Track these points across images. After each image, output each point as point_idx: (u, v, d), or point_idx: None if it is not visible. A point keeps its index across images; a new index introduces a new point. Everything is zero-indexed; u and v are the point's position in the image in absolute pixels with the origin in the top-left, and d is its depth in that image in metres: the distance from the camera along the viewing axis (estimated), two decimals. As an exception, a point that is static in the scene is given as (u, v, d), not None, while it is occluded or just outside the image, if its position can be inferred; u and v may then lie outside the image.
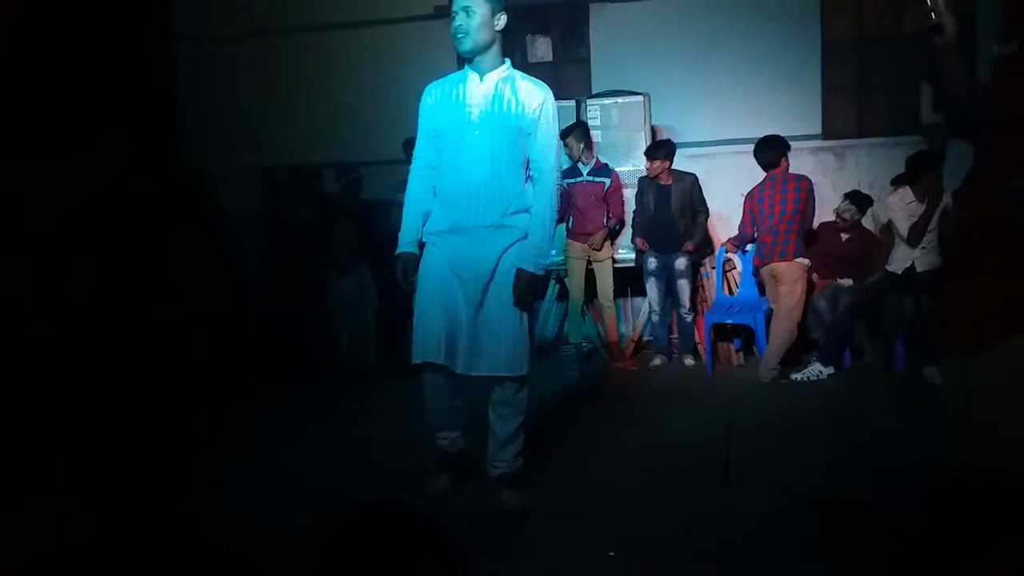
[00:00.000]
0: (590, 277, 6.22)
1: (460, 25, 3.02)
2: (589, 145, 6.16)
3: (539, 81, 3.16)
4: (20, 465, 3.54)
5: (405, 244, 3.24)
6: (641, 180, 6.10)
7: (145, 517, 1.48)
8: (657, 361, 6.07)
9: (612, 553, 2.85)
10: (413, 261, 3.21)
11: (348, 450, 4.07)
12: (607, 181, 6.11)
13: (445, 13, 7.57)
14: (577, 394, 5.40)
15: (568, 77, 7.40)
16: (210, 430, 3.65)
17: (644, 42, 6.98)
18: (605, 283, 6.16)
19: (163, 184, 5.66)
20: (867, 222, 6.12)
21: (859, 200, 5.88)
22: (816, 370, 5.47)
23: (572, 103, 6.54)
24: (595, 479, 3.63)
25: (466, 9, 2.99)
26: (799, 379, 5.45)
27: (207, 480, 3.27)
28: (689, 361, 6.04)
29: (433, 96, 3.19)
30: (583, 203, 6.09)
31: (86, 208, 4.80)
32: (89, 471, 1.50)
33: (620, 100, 6.48)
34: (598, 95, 6.71)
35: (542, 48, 7.60)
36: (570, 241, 6.19)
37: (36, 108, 4.85)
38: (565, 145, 6.08)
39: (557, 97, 6.58)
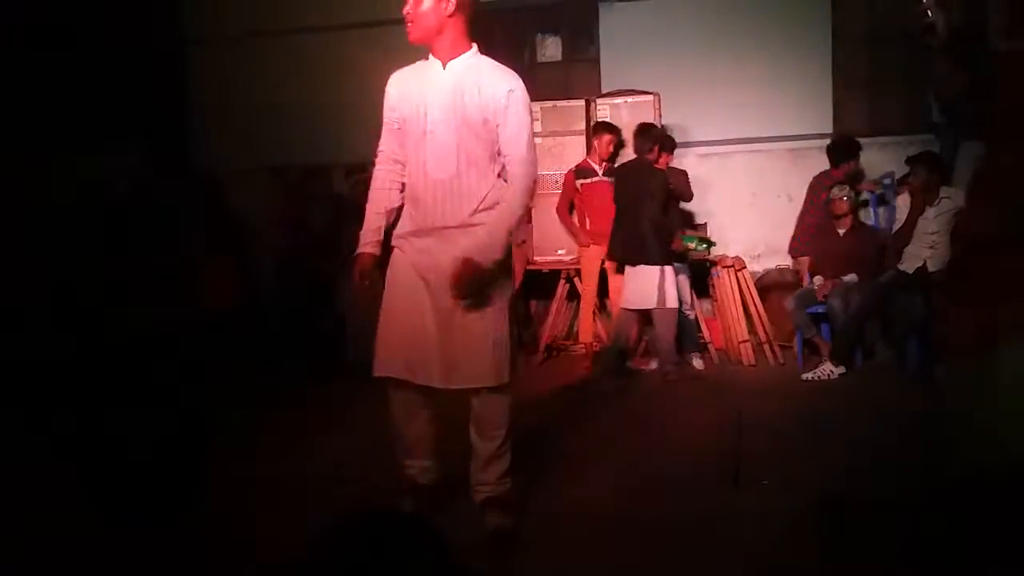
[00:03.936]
0: (602, 276, 6.21)
1: (408, 12, 2.82)
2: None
3: (507, 68, 2.89)
4: (28, 466, 3.56)
5: (364, 244, 3.00)
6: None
7: (152, 516, 1.49)
8: (654, 364, 6.04)
9: (618, 554, 2.84)
10: (371, 261, 2.98)
11: (356, 452, 4.07)
12: None
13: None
14: (587, 394, 5.40)
15: (578, 76, 7.41)
16: (218, 431, 3.66)
17: (654, 41, 6.98)
18: (618, 284, 6.13)
19: (174, 184, 5.68)
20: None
21: (849, 183, 5.98)
22: (827, 369, 5.46)
23: (582, 103, 6.54)
24: (603, 478, 3.62)
25: None
26: (810, 378, 5.44)
27: (214, 480, 3.28)
28: (697, 363, 6.02)
29: (396, 86, 2.96)
30: (599, 203, 6.08)
31: (101, 206, 4.83)
32: (100, 471, 1.52)
33: (630, 99, 6.47)
34: (608, 94, 6.71)
35: (552, 47, 7.61)
36: (585, 243, 6.17)
37: (50, 108, 4.87)
38: (597, 142, 6.09)
39: (567, 97, 6.72)
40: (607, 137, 6.04)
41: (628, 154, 6.25)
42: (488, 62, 2.89)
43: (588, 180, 6.13)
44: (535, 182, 2.90)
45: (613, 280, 6.11)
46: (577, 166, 6.22)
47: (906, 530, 2.58)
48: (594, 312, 6.33)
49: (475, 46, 2.89)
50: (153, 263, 4.90)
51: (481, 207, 2.84)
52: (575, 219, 6.33)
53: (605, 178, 6.09)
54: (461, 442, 3.03)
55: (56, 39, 5.13)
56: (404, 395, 2.96)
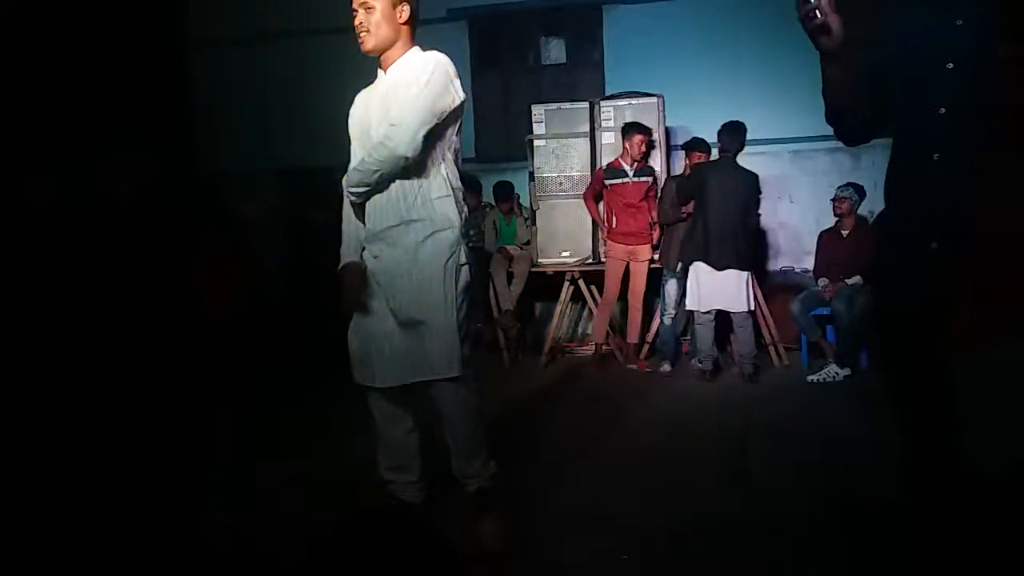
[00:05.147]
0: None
1: (361, 23, 2.83)
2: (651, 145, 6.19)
3: (433, 53, 2.83)
4: (30, 467, 3.57)
5: (344, 257, 2.99)
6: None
7: (157, 518, 1.50)
8: (665, 367, 6.05)
9: (625, 556, 2.84)
10: (357, 271, 2.94)
11: (361, 452, 4.08)
12: (650, 180, 6.13)
13: (458, 16, 7.66)
14: (590, 395, 5.40)
15: (582, 79, 7.42)
16: (220, 432, 3.65)
17: (658, 44, 6.99)
18: (639, 284, 6.15)
19: (179, 185, 5.68)
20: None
21: (857, 188, 5.92)
22: (832, 371, 5.46)
23: (586, 105, 6.54)
24: (606, 479, 3.63)
25: (364, 5, 2.81)
26: (815, 380, 5.44)
27: (221, 482, 3.27)
28: (706, 366, 6.02)
29: (354, 104, 3.02)
30: (628, 204, 6.08)
31: (108, 210, 4.83)
32: (103, 472, 1.52)
33: (634, 102, 6.46)
34: (611, 97, 6.70)
35: (556, 50, 7.62)
36: (612, 243, 6.17)
37: (54, 108, 4.87)
38: (628, 143, 6.04)
39: (571, 99, 6.72)
40: (638, 137, 6.01)
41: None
42: (419, 56, 2.85)
43: (618, 181, 6.09)
44: (397, 158, 2.72)
45: (635, 282, 6.10)
46: (608, 165, 6.19)
47: (911, 531, 2.58)
48: (611, 314, 6.31)
49: (416, 47, 2.88)
50: (156, 264, 4.91)
51: (420, 200, 2.81)
52: (601, 214, 6.32)
53: (636, 179, 6.08)
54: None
55: (61, 39, 5.13)
56: (381, 402, 2.97)
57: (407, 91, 2.73)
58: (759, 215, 5.71)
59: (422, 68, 2.76)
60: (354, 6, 2.85)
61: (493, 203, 6.88)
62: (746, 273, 5.57)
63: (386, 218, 2.84)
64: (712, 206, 5.52)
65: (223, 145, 7.35)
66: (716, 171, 5.63)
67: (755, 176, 5.63)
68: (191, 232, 5.43)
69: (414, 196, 2.81)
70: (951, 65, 1.94)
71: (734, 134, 5.59)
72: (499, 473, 2.97)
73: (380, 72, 2.93)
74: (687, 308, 5.73)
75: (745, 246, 5.58)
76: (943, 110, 1.96)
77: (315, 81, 7.25)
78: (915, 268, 2.02)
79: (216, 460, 3.27)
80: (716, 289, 5.55)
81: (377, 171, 2.78)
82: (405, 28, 2.85)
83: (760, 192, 5.65)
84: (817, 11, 1.88)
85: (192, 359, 4.34)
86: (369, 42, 2.85)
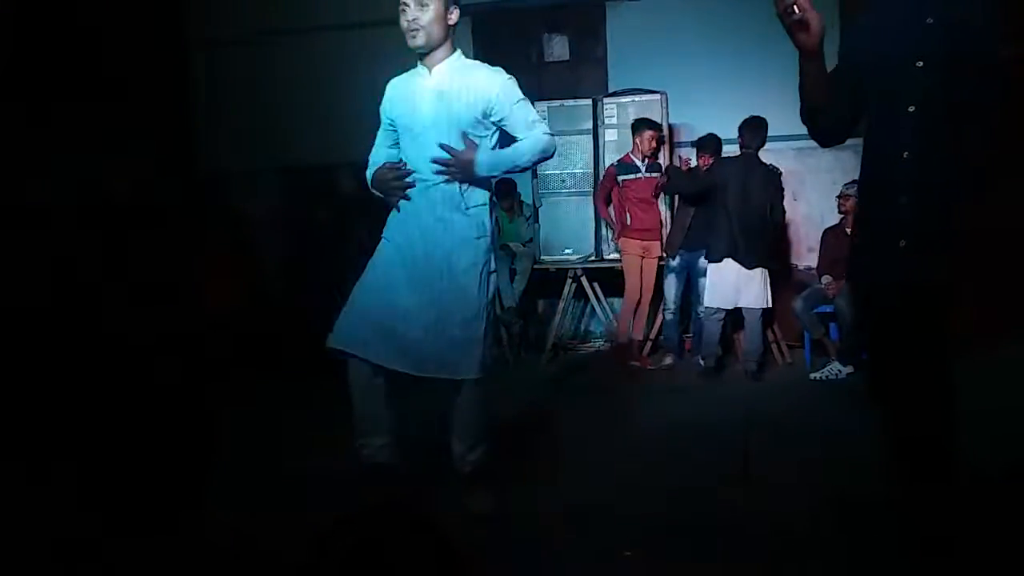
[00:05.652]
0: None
1: (415, 19, 2.89)
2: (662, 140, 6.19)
3: (490, 68, 3.00)
4: (30, 467, 3.57)
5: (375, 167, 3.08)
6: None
7: (162, 515, 1.50)
8: (668, 360, 6.05)
9: (628, 553, 2.84)
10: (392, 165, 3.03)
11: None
12: (660, 175, 6.12)
13: (462, 12, 7.64)
14: (592, 392, 5.39)
15: (585, 76, 7.41)
16: (221, 431, 3.66)
17: (661, 40, 6.97)
18: (650, 281, 6.14)
19: (181, 185, 5.69)
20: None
21: None
22: (835, 369, 5.45)
23: (589, 102, 6.53)
24: (608, 476, 3.62)
25: (420, 1, 2.89)
26: (818, 378, 5.43)
27: (221, 481, 3.27)
28: (710, 363, 6.01)
29: (390, 93, 3.11)
30: (641, 199, 6.08)
31: (108, 210, 4.83)
32: (103, 473, 1.52)
33: (637, 99, 6.45)
34: (615, 94, 6.69)
35: (559, 47, 7.61)
36: (626, 239, 6.16)
37: (55, 112, 4.88)
38: (639, 139, 6.04)
39: (574, 96, 6.70)
40: (649, 133, 6.00)
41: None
42: (472, 64, 3.02)
43: (631, 176, 6.09)
44: (551, 155, 3.06)
45: (646, 279, 6.09)
46: (619, 161, 6.18)
47: (913, 529, 2.57)
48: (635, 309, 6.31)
49: (459, 50, 3.03)
50: (157, 264, 4.91)
51: (468, 204, 2.99)
52: (611, 212, 6.31)
53: (648, 174, 6.07)
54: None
55: (61, 39, 5.14)
56: (365, 371, 3.02)
57: (524, 103, 2.95)
58: (784, 211, 5.67)
59: (512, 84, 2.95)
60: (404, 1, 2.92)
61: (495, 200, 6.88)
62: (767, 270, 5.57)
63: (432, 213, 2.97)
64: (738, 203, 5.46)
65: (224, 144, 7.36)
66: (739, 167, 5.57)
67: (779, 172, 5.60)
68: (192, 232, 5.44)
69: (464, 199, 2.98)
70: (921, 64, 1.95)
71: (756, 130, 5.55)
72: (491, 454, 3.11)
73: (423, 68, 3.01)
74: (706, 305, 5.69)
75: (772, 243, 5.55)
76: (913, 108, 1.97)
77: (316, 80, 7.27)
78: (884, 266, 2.04)
79: (216, 459, 3.26)
80: (743, 287, 5.53)
81: (531, 164, 3.10)
82: (452, 30, 2.99)
83: (783, 189, 5.62)
84: (795, 7, 1.87)
85: (193, 358, 4.34)
86: (420, 38, 2.93)
